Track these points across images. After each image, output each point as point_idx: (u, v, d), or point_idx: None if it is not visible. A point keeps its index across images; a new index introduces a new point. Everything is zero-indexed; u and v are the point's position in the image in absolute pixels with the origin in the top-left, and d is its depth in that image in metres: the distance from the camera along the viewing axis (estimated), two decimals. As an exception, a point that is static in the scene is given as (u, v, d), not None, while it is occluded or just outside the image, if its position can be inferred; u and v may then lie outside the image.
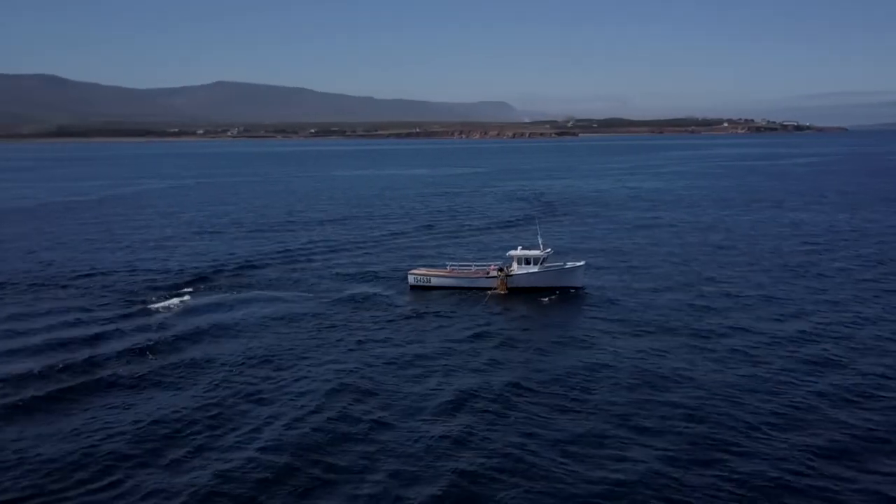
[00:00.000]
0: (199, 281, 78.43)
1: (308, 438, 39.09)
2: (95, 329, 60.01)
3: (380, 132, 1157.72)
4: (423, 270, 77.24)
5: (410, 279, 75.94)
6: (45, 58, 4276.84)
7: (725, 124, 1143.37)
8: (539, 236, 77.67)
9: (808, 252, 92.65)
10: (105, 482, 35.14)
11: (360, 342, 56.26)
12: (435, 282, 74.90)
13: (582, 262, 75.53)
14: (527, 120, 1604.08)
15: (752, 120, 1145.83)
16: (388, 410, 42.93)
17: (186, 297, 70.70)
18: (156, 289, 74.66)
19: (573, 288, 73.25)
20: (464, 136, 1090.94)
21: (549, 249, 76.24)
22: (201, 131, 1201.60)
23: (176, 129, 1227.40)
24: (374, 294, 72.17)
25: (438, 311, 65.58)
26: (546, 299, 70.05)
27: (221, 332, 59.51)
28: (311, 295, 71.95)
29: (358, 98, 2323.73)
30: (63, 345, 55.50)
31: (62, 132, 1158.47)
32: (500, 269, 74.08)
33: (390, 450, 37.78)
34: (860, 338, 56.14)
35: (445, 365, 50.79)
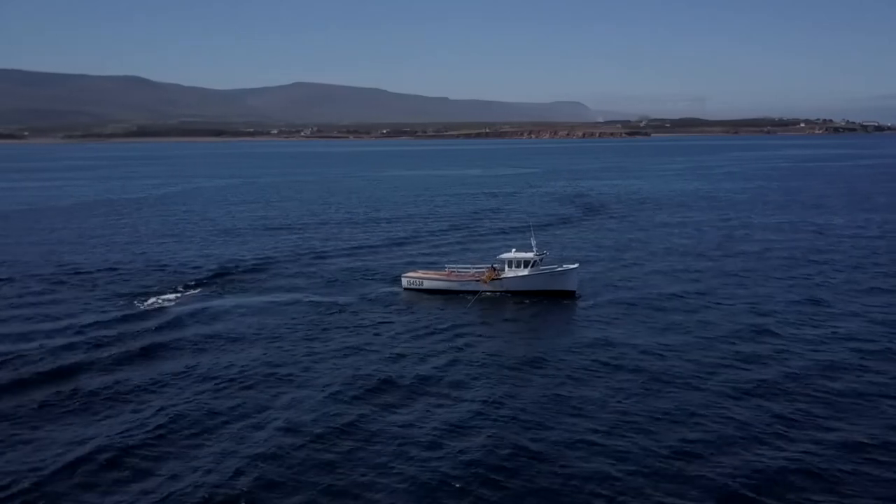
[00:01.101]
0: (204, 280, 79.45)
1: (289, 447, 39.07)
2: (82, 327, 61.37)
3: (450, 133, 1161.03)
4: (415, 273, 77.34)
5: (404, 281, 76.04)
6: (131, 59, 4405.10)
7: (802, 125, 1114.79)
8: (532, 239, 76.35)
9: (818, 259, 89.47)
10: (107, 480, 35.92)
11: (338, 345, 56.45)
12: (427, 284, 74.89)
13: (575, 266, 74.19)
14: (601, 120, 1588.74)
15: (831, 120, 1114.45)
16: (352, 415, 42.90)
17: (184, 295, 72.19)
18: (152, 287, 75.93)
19: (566, 292, 72.17)
20: (533, 136, 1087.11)
21: (544, 252, 75.72)
22: (275, 131, 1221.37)
23: (251, 130, 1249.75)
24: (367, 296, 72.46)
25: (424, 314, 65.66)
26: (529, 302, 69.47)
27: (206, 331, 59.93)
28: (302, 296, 72.16)
29: (432, 99, 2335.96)
30: (36, 345, 56.53)
31: (142, 132, 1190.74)
32: (492, 270, 74.00)
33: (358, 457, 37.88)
34: (869, 344, 54.77)
35: (415, 366, 50.91)
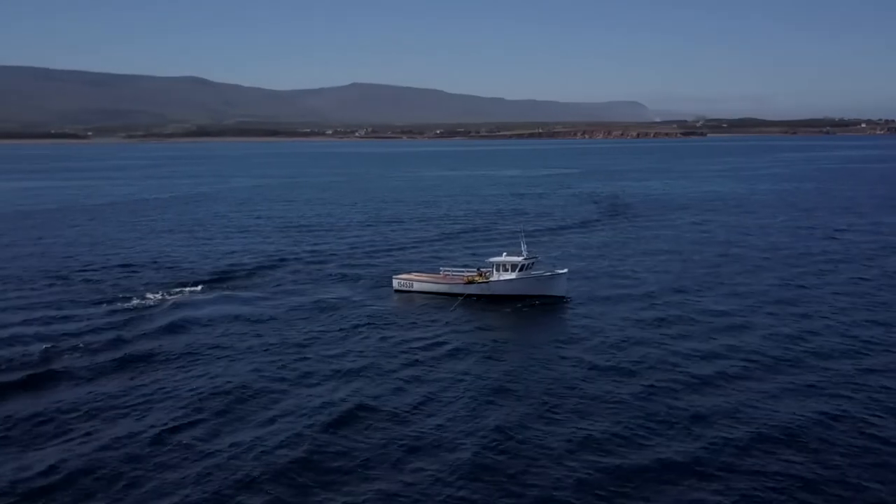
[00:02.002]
0: (204, 279, 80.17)
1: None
2: (68, 323, 62.97)
3: (503, 133, 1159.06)
4: (406, 275, 77.57)
5: (395, 283, 76.41)
6: (192, 61, 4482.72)
7: (863, 125, 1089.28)
8: (523, 243, 75.47)
9: (827, 265, 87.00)
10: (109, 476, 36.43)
11: (321, 346, 56.51)
12: (417, 286, 74.99)
13: (564, 270, 73.27)
14: (658, 120, 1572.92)
15: (894, 120, 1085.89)
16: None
17: (179, 295, 73.00)
18: (141, 287, 76.56)
19: (555, 297, 71.05)
20: (587, 136, 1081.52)
21: (535, 257, 74.92)
22: (330, 132, 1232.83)
23: (307, 130, 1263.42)
24: (357, 297, 72.68)
25: (408, 317, 65.62)
26: (516, 307, 68.47)
27: (191, 330, 60.92)
28: (291, 297, 72.25)
29: (488, 99, 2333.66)
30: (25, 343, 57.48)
31: (201, 132, 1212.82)
32: (479, 273, 73.63)
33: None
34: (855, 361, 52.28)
35: (389, 373, 50.37)
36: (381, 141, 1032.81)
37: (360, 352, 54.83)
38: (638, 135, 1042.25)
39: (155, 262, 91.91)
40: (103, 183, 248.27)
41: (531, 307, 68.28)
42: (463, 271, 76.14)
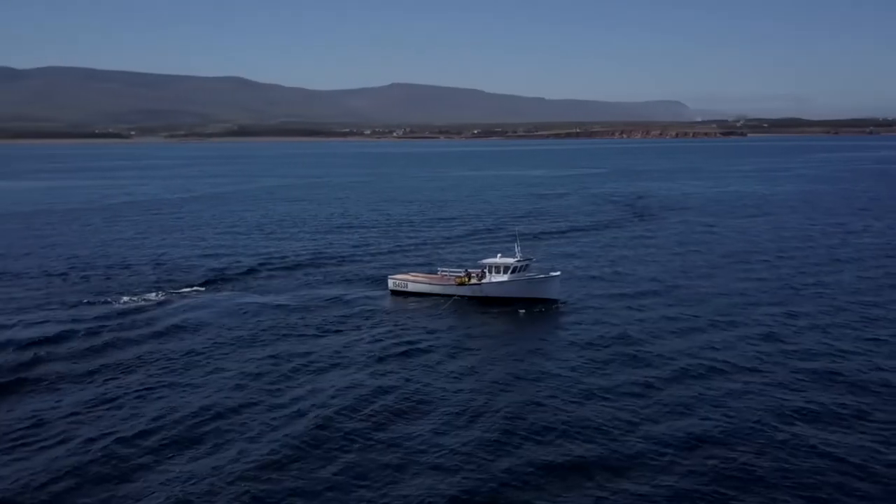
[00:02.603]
0: (202, 280, 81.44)
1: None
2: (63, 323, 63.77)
3: (540, 133, 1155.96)
4: (401, 275, 77.62)
5: (390, 283, 76.48)
6: (235, 61, 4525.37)
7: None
8: (516, 245, 74.44)
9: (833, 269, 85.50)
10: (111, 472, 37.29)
11: (300, 347, 57.01)
12: (411, 287, 74.92)
13: (557, 273, 72.08)
14: (699, 119, 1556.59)
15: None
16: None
17: (175, 295, 74.17)
18: (137, 286, 77.97)
19: (548, 300, 70.21)
20: (625, 135, 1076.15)
21: (530, 259, 74.09)
22: (368, 132, 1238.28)
23: (346, 130, 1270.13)
24: (352, 297, 72.99)
25: (401, 318, 65.61)
26: (501, 310, 67.97)
27: (183, 330, 61.79)
28: (288, 298, 72.88)
29: (528, 99, 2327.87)
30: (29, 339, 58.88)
31: (242, 132, 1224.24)
32: (468, 275, 73.43)
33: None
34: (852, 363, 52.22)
35: (371, 377, 50.36)
36: (417, 141, 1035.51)
37: (340, 354, 54.83)
38: (676, 134, 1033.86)
39: (155, 262, 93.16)
40: (129, 182, 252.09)
41: (522, 310, 67.54)
42: (460, 272, 75.80)
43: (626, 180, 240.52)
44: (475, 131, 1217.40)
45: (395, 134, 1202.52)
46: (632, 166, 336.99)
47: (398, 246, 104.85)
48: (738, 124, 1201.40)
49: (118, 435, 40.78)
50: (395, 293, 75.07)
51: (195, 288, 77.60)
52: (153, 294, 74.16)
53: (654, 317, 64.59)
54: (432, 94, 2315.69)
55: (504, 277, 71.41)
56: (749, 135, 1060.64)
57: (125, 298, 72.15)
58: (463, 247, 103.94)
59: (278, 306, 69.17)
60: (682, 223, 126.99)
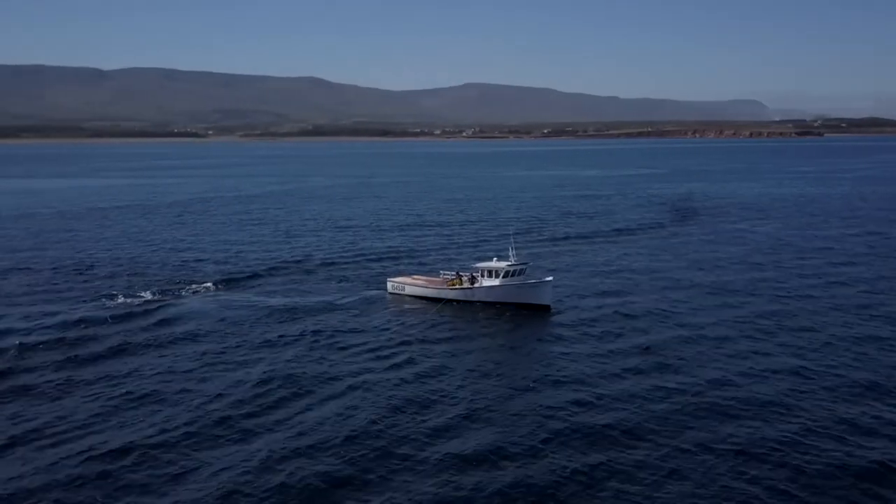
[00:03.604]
0: (212, 279, 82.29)
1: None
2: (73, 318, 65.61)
3: (611, 132, 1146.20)
4: (399, 278, 77.33)
5: (389, 286, 76.43)
6: (313, 61, 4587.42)
7: None
8: (511, 249, 73.38)
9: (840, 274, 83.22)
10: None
11: (300, 347, 57.52)
12: (408, 290, 74.51)
13: (549, 278, 70.47)
14: (777, 119, 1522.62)
15: None
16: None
17: (185, 294, 75.56)
18: (143, 286, 78.55)
19: (539, 305, 68.51)
20: (697, 135, 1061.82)
21: (526, 263, 72.69)
22: (438, 132, 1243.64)
23: (417, 130, 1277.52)
24: (351, 300, 72.81)
25: (390, 321, 65.54)
26: (492, 315, 67.03)
27: (184, 329, 62.64)
28: (288, 299, 73.35)
29: (602, 98, 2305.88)
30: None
31: (316, 131, 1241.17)
32: (458, 277, 73.06)
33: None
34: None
35: (348, 377, 50.73)
36: (486, 141, 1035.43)
37: (324, 359, 54.62)
38: (751, 134, 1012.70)
39: (171, 261, 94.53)
40: (182, 181, 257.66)
41: (512, 316, 66.41)
42: (450, 275, 75.12)
43: (678, 181, 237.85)
44: (545, 131, 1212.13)
45: (464, 134, 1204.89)
46: (691, 166, 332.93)
47: (419, 248, 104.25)
48: (816, 124, 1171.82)
49: (126, 435, 41.56)
50: (393, 295, 74.87)
51: (203, 286, 78.42)
52: (148, 293, 74.91)
53: (645, 324, 63.47)
54: (506, 94, 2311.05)
55: (495, 282, 70.27)
56: (826, 134, 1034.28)
57: (123, 298, 72.98)
58: (485, 249, 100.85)
59: (271, 308, 69.42)
60: (717, 227, 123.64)
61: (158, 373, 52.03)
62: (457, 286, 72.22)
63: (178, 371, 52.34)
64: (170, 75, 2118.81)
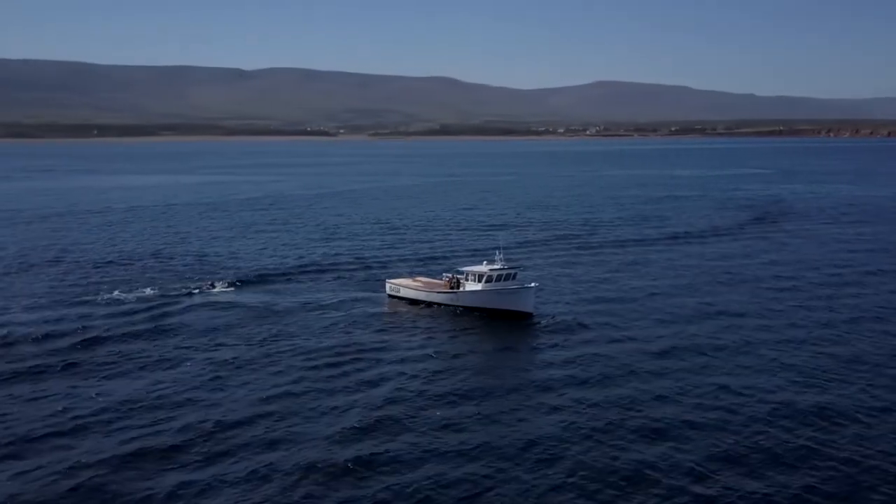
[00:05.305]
0: (244, 278, 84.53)
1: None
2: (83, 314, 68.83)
3: (741, 130, 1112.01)
4: (397, 280, 76.91)
5: (387, 288, 76.03)
6: (444, 61, 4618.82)
7: None
8: (498, 252, 71.98)
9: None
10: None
11: (293, 347, 58.59)
12: (403, 292, 74.07)
13: (532, 285, 67.84)
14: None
15: None
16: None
17: (210, 291, 78.10)
18: (152, 282, 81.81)
19: (521, 313, 66.41)
20: (832, 134, 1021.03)
21: (515, 268, 71.06)
22: (562, 130, 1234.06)
23: (541, 129, 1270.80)
24: (353, 301, 73.55)
25: (379, 323, 65.82)
26: (476, 320, 66.24)
27: (180, 329, 64.19)
28: (297, 299, 74.54)
29: (738, 95, 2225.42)
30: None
31: (443, 131, 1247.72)
32: (448, 281, 72.32)
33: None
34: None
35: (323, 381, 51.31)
36: (608, 139, 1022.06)
37: (307, 355, 55.98)
38: (889, 133, 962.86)
39: (189, 261, 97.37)
40: (275, 178, 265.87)
41: (491, 322, 65.21)
42: (440, 280, 74.62)
43: (779, 182, 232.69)
44: (672, 129, 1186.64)
45: (587, 132, 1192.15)
46: (801, 166, 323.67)
47: (457, 250, 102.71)
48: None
49: (132, 435, 42.69)
50: (392, 297, 74.55)
51: (225, 285, 79.95)
52: (148, 290, 77.64)
53: (627, 344, 59.67)
54: (636, 92, 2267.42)
55: (478, 287, 68.44)
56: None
57: (149, 291, 76.86)
58: (527, 254, 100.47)
59: (276, 308, 70.71)
60: (791, 232, 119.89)
61: (158, 372, 53.58)
62: (444, 290, 71.37)
63: (166, 380, 53.02)
64: (307, 75, 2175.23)
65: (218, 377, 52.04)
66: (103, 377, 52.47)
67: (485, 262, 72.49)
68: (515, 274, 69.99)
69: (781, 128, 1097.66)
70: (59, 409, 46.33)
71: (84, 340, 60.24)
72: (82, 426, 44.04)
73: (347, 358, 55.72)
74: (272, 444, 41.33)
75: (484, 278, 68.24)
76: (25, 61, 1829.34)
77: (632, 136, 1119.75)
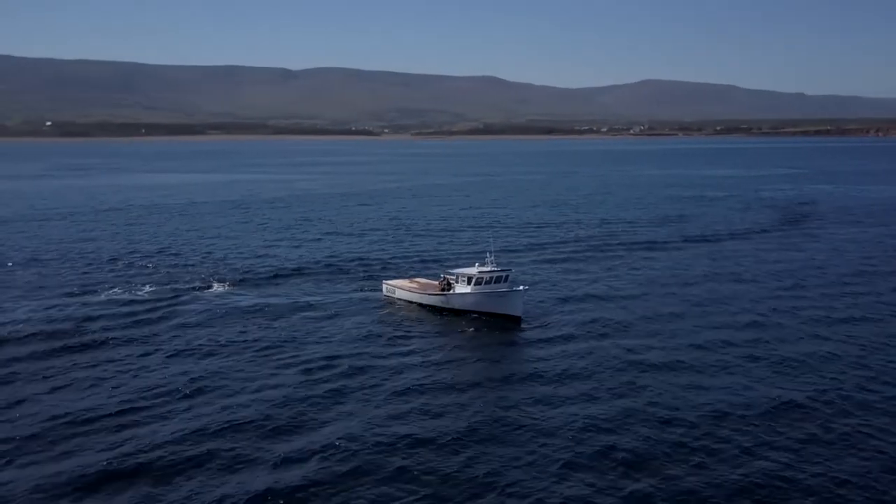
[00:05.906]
0: (246, 278, 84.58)
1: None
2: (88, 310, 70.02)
3: (786, 130, 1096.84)
4: (392, 281, 76.72)
5: (384, 289, 75.63)
6: (489, 60, 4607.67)
7: None
8: (489, 254, 70.52)
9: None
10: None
11: (288, 349, 58.37)
12: (397, 294, 73.77)
13: (521, 288, 66.51)
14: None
15: None
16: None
17: (210, 291, 77.72)
18: (155, 281, 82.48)
19: (510, 316, 65.20)
20: (880, 133, 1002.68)
21: (506, 271, 69.05)
22: (605, 129, 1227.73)
23: (585, 128, 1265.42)
24: (350, 301, 73.54)
25: (373, 324, 65.57)
26: (463, 323, 65.47)
27: (179, 328, 64.43)
28: (289, 299, 74.34)
29: (787, 94, 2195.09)
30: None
31: (486, 130, 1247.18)
32: (440, 283, 71.75)
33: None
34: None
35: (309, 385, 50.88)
36: (652, 138, 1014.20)
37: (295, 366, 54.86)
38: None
39: (195, 259, 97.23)
40: (304, 177, 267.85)
41: (480, 326, 64.38)
42: (434, 281, 74.14)
43: (812, 183, 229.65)
44: (717, 128, 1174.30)
45: (631, 131, 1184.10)
46: (838, 167, 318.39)
47: (464, 252, 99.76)
48: None
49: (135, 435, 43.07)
50: (386, 298, 74.08)
51: (225, 285, 79.84)
52: (148, 288, 78.21)
53: (619, 353, 57.70)
54: (683, 91, 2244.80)
55: (466, 289, 67.48)
56: None
57: (151, 288, 77.65)
58: (537, 255, 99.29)
59: (268, 308, 70.35)
60: (809, 237, 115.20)
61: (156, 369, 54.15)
62: (436, 292, 70.68)
63: (144, 360, 55.16)
64: (353, 75, 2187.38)
65: (203, 378, 51.93)
66: (92, 378, 52.75)
67: (476, 264, 71.29)
68: (507, 276, 68.22)
69: (829, 127, 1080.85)
70: (43, 411, 46.64)
71: (74, 340, 61.07)
72: (68, 426, 44.47)
73: (320, 364, 54.86)
74: (267, 443, 41.63)
75: (473, 281, 67.08)
76: (80, 62, 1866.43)
77: (676, 135, 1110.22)
